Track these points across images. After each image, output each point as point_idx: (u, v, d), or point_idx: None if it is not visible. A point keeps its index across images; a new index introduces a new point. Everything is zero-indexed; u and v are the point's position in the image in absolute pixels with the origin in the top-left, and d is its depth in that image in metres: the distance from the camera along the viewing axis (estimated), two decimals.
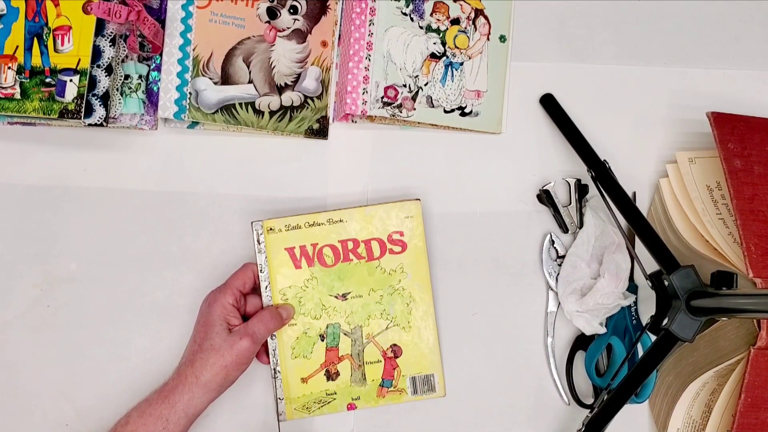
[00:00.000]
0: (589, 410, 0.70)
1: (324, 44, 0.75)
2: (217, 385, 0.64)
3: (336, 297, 0.71)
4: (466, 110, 0.76)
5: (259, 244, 0.70)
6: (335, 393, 0.71)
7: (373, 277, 0.71)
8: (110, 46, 0.69)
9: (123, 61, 0.71)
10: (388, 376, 0.72)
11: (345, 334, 0.71)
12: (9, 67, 0.67)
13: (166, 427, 0.62)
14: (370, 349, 0.72)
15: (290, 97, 0.74)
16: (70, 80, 0.67)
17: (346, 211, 0.71)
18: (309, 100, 0.74)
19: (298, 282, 0.71)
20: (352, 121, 0.76)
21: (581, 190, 0.76)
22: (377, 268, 0.71)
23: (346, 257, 0.71)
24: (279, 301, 0.70)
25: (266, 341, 0.70)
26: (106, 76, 0.69)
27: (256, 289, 0.70)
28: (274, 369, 0.70)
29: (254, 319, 0.67)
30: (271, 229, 0.70)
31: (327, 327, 0.71)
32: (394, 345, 0.72)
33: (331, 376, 0.71)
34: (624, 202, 0.71)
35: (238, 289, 0.67)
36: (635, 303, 0.75)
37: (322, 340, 0.71)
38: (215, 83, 0.72)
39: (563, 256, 0.75)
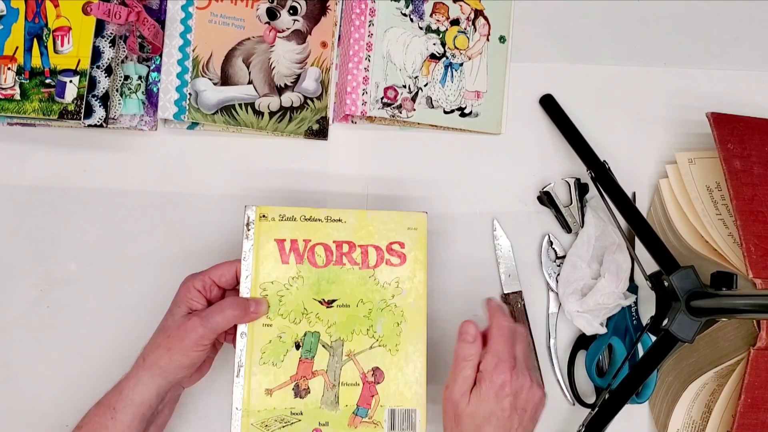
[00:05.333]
0: (589, 410, 0.70)
1: (324, 45, 0.75)
2: (161, 369, 0.59)
3: (321, 302, 0.64)
4: (466, 111, 0.76)
5: (248, 229, 0.64)
6: (301, 413, 0.63)
7: (365, 287, 0.65)
8: (110, 46, 0.69)
9: (123, 61, 0.71)
10: (364, 404, 0.64)
11: (324, 346, 0.64)
12: (9, 68, 0.67)
13: (114, 416, 0.58)
14: (349, 368, 0.64)
15: (290, 98, 0.74)
16: (70, 81, 0.67)
17: (346, 211, 0.66)
18: (309, 101, 0.74)
19: (282, 278, 0.64)
20: (352, 121, 0.76)
21: (581, 189, 0.76)
22: (371, 278, 0.65)
23: (338, 260, 0.65)
24: (258, 295, 0.64)
25: (235, 338, 0.64)
26: (105, 76, 0.69)
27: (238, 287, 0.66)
28: (237, 372, 0.63)
29: (213, 305, 0.62)
30: (263, 216, 0.65)
31: (305, 335, 0.64)
32: (376, 368, 0.64)
33: (300, 392, 0.63)
34: (624, 203, 0.71)
35: (211, 278, 0.63)
36: (635, 303, 0.75)
37: (297, 349, 0.63)
38: (215, 84, 0.72)
39: (562, 257, 0.75)
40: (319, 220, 0.66)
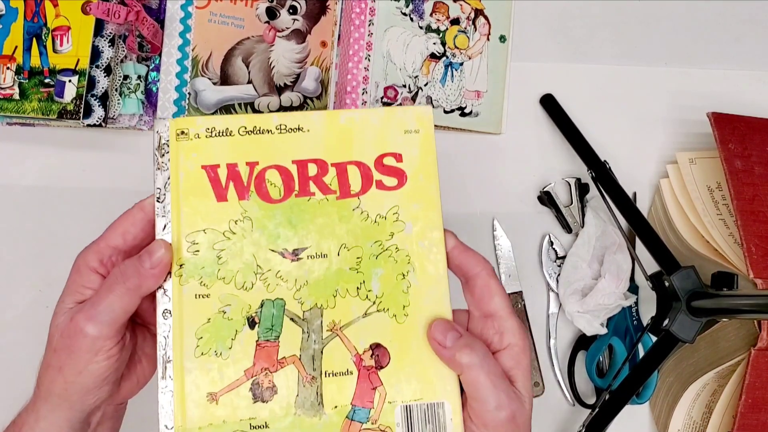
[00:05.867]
0: (589, 410, 0.70)
1: (323, 44, 0.75)
2: (59, 398, 0.42)
3: (282, 254, 0.44)
4: (466, 111, 0.76)
5: (160, 155, 0.44)
6: (267, 426, 0.43)
7: (348, 225, 0.45)
8: (109, 46, 0.69)
9: (122, 61, 0.71)
10: (363, 402, 0.43)
11: (293, 319, 0.44)
12: (8, 68, 0.67)
13: None
14: (335, 349, 0.44)
15: (289, 98, 0.74)
16: (69, 81, 0.67)
17: (307, 114, 0.45)
18: (308, 101, 0.74)
19: (219, 224, 0.44)
20: None
21: (582, 189, 0.76)
22: (355, 210, 0.45)
23: (303, 189, 0.45)
24: (185, 253, 0.44)
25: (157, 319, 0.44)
26: (105, 76, 0.69)
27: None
28: (163, 372, 0.43)
29: (101, 285, 0.43)
30: (183, 132, 0.44)
31: (262, 305, 0.44)
32: (377, 346, 0.44)
33: (261, 393, 0.43)
34: (624, 203, 0.71)
35: (110, 244, 0.44)
36: (636, 303, 0.75)
37: (252, 328, 0.44)
38: (214, 83, 0.72)
39: (563, 257, 0.75)
40: (269, 131, 0.45)
